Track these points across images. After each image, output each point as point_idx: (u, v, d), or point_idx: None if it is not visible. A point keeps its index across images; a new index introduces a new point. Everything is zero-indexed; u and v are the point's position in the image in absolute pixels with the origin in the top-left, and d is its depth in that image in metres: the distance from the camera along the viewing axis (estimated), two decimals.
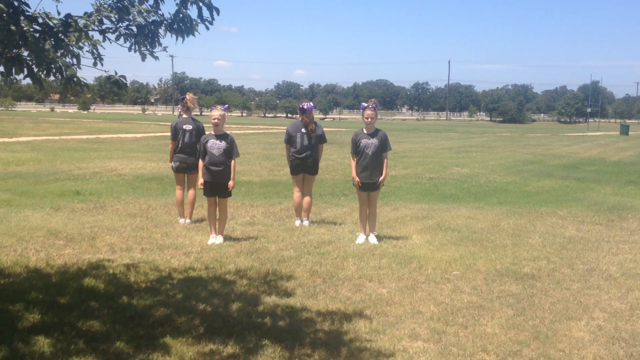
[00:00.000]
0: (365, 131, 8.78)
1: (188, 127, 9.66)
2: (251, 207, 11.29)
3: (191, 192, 9.73)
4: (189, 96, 9.85)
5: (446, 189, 15.52)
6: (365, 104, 8.79)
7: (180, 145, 9.63)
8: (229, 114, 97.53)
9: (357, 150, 8.73)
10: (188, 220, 9.59)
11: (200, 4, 4.73)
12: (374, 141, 8.66)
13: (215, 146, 8.39)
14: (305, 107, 9.81)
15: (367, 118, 8.73)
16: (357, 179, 8.71)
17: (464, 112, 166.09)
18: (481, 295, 6.28)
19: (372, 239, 8.64)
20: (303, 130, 9.72)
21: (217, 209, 8.52)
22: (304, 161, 9.72)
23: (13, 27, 4.11)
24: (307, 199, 9.85)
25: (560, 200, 13.83)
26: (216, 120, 8.40)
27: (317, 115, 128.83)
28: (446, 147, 33.09)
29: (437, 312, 5.74)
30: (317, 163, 9.88)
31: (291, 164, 9.87)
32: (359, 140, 8.74)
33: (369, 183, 8.71)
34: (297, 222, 9.77)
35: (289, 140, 9.82)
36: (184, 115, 9.82)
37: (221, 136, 8.50)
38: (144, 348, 4.60)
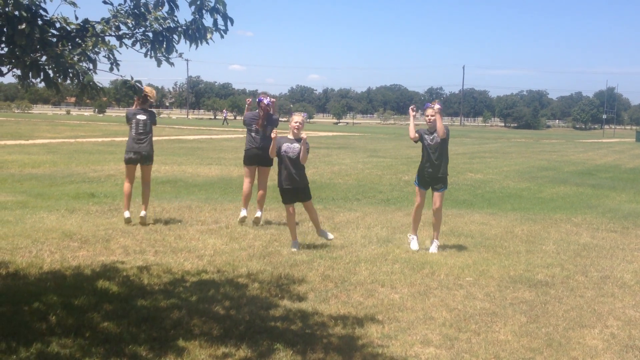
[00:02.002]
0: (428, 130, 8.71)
1: (142, 117, 9.75)
2: (264, 211, 11.31)
3: (261, 192, 10.02)
4: (148, 89, 9.85)
5: (459, 195, 15.47)
6: (429, 104, 8.78)
7: (133, 135, 9.73)
8: (238, 117, 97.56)
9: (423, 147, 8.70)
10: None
11: (216, 14, 4.77)
12: (435, 136, 8.57)
13: (290, 150, 8.37)
14: (263, 100, 9.94)
15: (427, 116, 8.69)
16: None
17: (478, 117, 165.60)
18: (494, 302, 6.26)
19: (433, 248, 8.48)
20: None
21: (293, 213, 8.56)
22: (259, 153, 9.86)
23: (31, 32, 4.16)
24: (260, 192, 10.03)
25: (574, 207, 13.74)
26: (297, 124, 8.45)
27: (330, 120, 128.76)
28: (460, 153, 32.98)
29: (449, 318, 5.73)
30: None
31: (245, 154, 10.09)
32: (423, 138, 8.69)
33: (434, 178, 8.65)
34: (243, 213, 9.87)
35: (246, 125, 10.08)
36: (138, 107, 9.88)
37: (297, 140, 8.47)
38: (157, 350, 4.63)
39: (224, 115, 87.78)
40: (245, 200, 10.13)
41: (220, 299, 5.93)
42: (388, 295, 6.37)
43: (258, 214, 9.94)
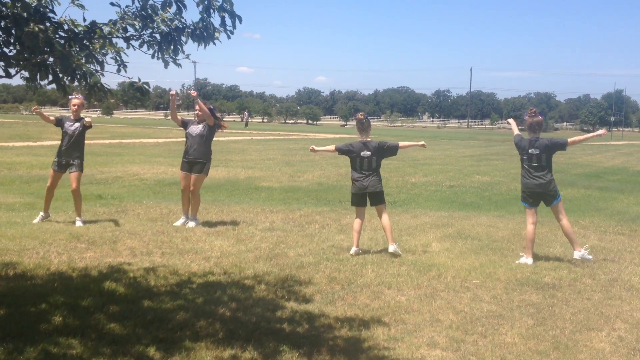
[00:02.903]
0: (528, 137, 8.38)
1: (76, 126, 9.81)
2: (271, 213, 11.33)
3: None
4: (79, 100, 9.86)
5: (466, 197, 15.44)
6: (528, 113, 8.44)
7: (65, 144, 9.82)
8: (250, 119, 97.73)
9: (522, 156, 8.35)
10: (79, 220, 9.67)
11: (224, 13, 4.78)
12: (538, 149, 8.24)
13: (366, 156, 8.32)
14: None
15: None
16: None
17: (485, 119, 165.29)
18: (501, 305, 6.24)
19: (579, 253, 8.05)
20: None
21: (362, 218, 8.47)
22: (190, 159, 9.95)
23: (39, 33, 4.18)
24: (195, 198, 10.02)
25: (582, 209, 13.69)
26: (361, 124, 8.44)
27: (336, 122, 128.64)
28: (467, 155, 32.93)
29: (456, 320, 5.71)
30: (203, 164, 9.99)
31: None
32: (523, 147, 8.36)
33: (539, 192, 8.19)
34: (181, 221, 9.87)
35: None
36: (72, 117, 9.89)
37: (368, 142, 8.41)
38: (164, 351, 4.64)
39: (246, 117, 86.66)
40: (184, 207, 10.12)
41: (227, 301, 5.94)
42: (394, 297, 6.36)
43: (192, 223, 9.93)
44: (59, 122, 9.95)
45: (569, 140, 8.45)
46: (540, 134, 8.38)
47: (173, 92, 10.36)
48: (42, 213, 9.82)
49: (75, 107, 9.79)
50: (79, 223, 9.56)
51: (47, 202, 9.92)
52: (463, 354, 4.95)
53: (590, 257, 8.13)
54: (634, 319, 5.94)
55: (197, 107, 9.96)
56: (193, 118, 10.32)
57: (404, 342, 5.13)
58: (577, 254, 8.08)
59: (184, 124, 10.16)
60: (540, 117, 8.37)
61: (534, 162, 8.21)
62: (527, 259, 8.10)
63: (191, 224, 9.80)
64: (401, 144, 8.64)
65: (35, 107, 10.26)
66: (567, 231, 8.27)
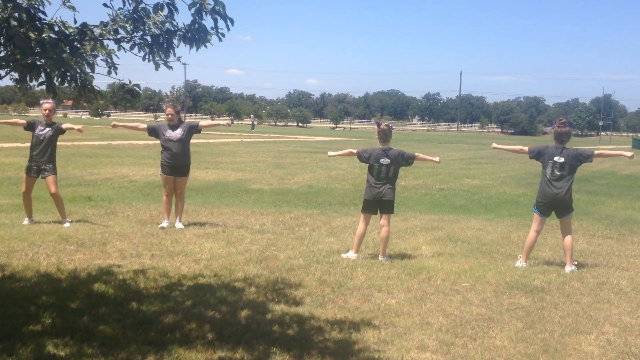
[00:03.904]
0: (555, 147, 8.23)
1: (47, 131, 9.78)
2: (261, 215, 11.32)
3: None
4: (50, 105, 9.86)
5: (456, 200, 15.50)
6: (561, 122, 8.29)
7: (36, 149, 9.79)
8: (240, 122, 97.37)
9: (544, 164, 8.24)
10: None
11: (216, 15, 4.78)
12: (563, 157, 8.12)
13: (385, 163, 8.33)
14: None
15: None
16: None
17: (475, 123, 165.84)
18: (490, 308, 6.26)
19: (569, 269, 8.00)
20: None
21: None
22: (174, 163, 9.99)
23: (31, 34, 4.17)
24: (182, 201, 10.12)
25: None
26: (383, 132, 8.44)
27: (327, 124, 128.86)
28: (457, 158, 33.04)
29: (445, 323, 5.73)
30: (188, 166, 10.19)
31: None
32: (548, 154, 8.21)
33: (556, 203, 8.12)
34: (165, 224, 9.84)
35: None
36: (44, 122, 9.83)
37: (386, 149, 8.42)
38: (153, 354, 4.62)
39: (252, 120, 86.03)
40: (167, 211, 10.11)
41: (217, 303, 5.93)
42: (385, 300, 6.37)
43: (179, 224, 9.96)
44: (30, 126, 9.88)
45: (596, 152, 8.40)
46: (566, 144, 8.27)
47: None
48: (27, 219, 9.74)
49: (47, 111, 9.73)
50: (66, 224, 9.52)
51: (28, 208, 9.79)
52: (453, 356, 4.97)
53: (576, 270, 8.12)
54: (622, 323, 5.98)
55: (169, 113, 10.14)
56: (164, 123, 10.32)
57: (394, 344, 5.14)
58: (568, 269, 8.03)
59: (155, 132, 10.18)
60: (568, 127, 8.27)
61: (557, 172, 8.10)
62: (521, 263, 8.14)
63: (180, 225, 9.80)
64: (419, 156, 8.64)
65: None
66: (568, 246, 8.12)
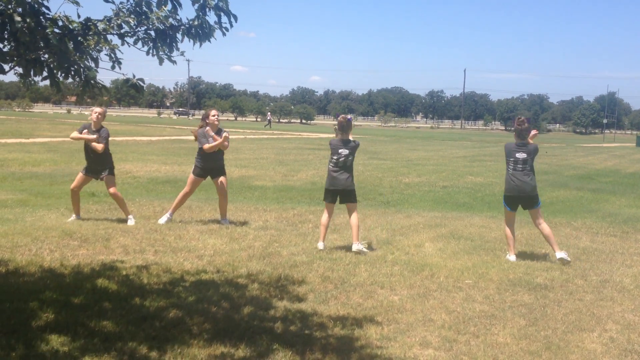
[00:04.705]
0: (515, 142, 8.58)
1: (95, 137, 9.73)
2: (264, 212, 11.33)
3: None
4: (102, 109, 9.93)
5: (459, 198, 15.47)
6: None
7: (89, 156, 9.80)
8: (244, 119, 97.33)
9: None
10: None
11: (219, 11, 4.77)
12: (525, 153, 8.47)
13: (343, 154, 8.55)
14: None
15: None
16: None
17: (478, 120, 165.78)
18: (493, 305, 6.26)
19: (561, 254, 8.15)
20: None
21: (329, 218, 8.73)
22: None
23: (35, 29, 4.17)
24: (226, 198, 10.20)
25: (574, 211, 13.75)
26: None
27: (330, 121, 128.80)
28: (460, 156, 33.00)
29: (448, 320, 5.73)
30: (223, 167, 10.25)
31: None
32: (510, 151, 8.54)
33: (522, 196, 8.43)
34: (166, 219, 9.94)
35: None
36: (92, 127, 9.75)
37: (345, 141, 8.64)
38: (156, 349, 4.63)
39: (268, 117, 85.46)
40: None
41: (220, 299, 5.93)
42: (387, 297, 6.37)
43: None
44: (81, 132, 9.80)
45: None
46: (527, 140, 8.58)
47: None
48: (73, 215, 9.78)
49: (97, 115, 9.66)
50: (130, 222, 9.60)
51: (75, 205, 9.81)
52: (455, 353, 4.96)
53: (569, 259, 8.19)
54: (625, 320, 5.97)
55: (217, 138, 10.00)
56: (205, 127, 10.14)
57: (397, 341, 5.14)
58: (558, 254, 8.18)
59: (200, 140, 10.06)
60: (527, 124, 8.60)
61: (520, 166, 8.46)
62: (511, 256, 8.31)
63: (226, 221, 9.98)
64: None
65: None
66: (548, 234, 8.42)
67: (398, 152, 34.18)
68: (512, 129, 8.76)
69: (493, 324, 5.69)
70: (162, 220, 9.83)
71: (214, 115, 10.07)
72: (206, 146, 9.83)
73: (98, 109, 9.76)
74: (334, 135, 8.81)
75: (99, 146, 9.55)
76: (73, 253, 7.54)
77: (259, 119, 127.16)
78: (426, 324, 5.61)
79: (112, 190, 9.74)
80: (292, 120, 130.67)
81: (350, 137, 8.75)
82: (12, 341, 4.58)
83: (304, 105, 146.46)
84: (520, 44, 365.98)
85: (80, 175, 9.90)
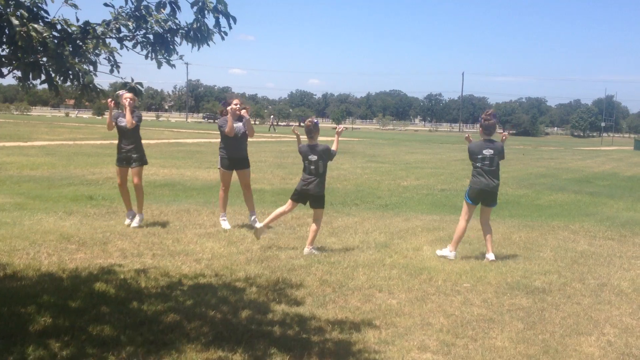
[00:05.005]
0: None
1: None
2: (263, 215, 11.30)
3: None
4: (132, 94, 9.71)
5: (458, 201, 15.45)
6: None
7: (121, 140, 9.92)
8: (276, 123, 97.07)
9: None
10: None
11: (218, 14, 4.77)
12: (492, 150, 8.54)
13: (312, 159, 8.59)
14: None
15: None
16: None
17: (477, 124, 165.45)
18: (491, 308, 6.26)
19: (492, 256, 8.35)
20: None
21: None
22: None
23: (33, 33, 4.17)
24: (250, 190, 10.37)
25: (572, 214, 13.76)
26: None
27: (329, 124, 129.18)
28: (458, 159, 33.00)
29: (446, 324, 5.73)
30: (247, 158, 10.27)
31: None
32: (478, 149, 8.56)
33: (487, 192, 8.55)
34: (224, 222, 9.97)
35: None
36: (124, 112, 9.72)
37: (313, 146, 8.67)
38: (154, 353, 4.62)
39: (272, 121, 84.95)
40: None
41: (218, 303, 5.93)
42: (385, 300, 6.37)
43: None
44: (115, 119, 9.85)
45: None
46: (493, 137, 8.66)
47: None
48: (127, 212, 9.91)
49: (129, 100, 9.60)
50: (137, 220, 9.68)
51: (126, 200, 10.01)
52: (453, 357, 4.96)
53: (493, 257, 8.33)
54: (623, 324, 5.97)
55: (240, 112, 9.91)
56: (225, 115, 10.01)
57: (395, 345, 5.14)
58: (490, 256, 8.33)
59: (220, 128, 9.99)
60: (494, 120, 8.61)
61: (487, 163, 8.50)
62: (450, 253, 8.36)
63: (254, 218, 10.09)
64: (335, 149, 8.82)
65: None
66: (489, 233, 8.56)
67: (396, 155, 34.20)
68: (480, 124, 8.67)
69: (491, 327, 5.69)
70: (225, 225, 9.90)
71: (236, 104, 9.91)
72: (227, 129, 9.69)
73: (128, 94, 9.44)
74: (306, 139, 8.80)
75: (132, 121, 9.60)
76: (71, 257, 7.53)
77: (257, 122, 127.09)
78: (424, 327, 5.61)
79: (136, 180, 9.83)
80: (290, 123, 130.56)
81: (323, 142, 8.76)
82: (10, 345, 4.57)
83: (302, 108, 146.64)
84: (518, 47, 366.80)
85: (117, 169, 10.04)
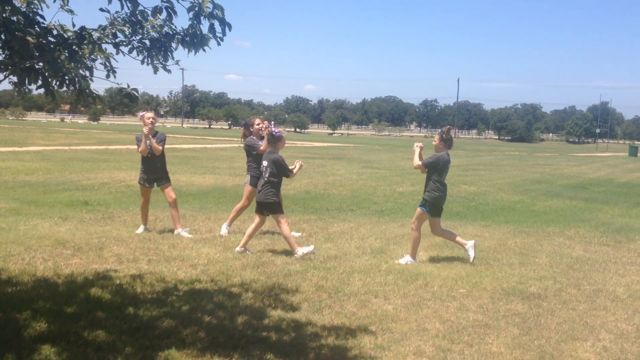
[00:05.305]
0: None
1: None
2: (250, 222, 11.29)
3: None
4: (153, 114, 9.86)
5: (453, 207, 15.49)
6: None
7: (146, 161, 9.89)
8: (238, 127, 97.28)
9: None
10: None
11: (214, 19, 4.78)
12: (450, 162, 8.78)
13: (264, 165, 8.59)
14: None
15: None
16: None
17: (472, 130, 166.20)
18: (487, 314, 6.26)
19: (470, 252, 8.53)
20: None
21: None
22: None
23: (29, 38, 4.17)
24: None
25: (567, 220, 13.78)
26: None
27: (324, 130, 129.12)
28: (454, 165, 32.95)
29: (442, 329, 5.73)
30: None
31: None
32: (443, 162, 8.58)
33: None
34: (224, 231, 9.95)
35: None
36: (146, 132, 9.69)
37: (269, 152, 8.67)
38: (149, 359, 4.61)
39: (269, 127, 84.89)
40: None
41: (213, 309, 5.92)
42: (381, 306, 6.37)
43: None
44: (138, 141, 9.81)
45: None
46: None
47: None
48: (142, 226, 9.85)
49: (151, 119, 9.59)
50: (183, 233, 9.60)
51: (144, 217, 9.95)
52: None
53: (414, 260, 8.43)
54: (618, 330, 5.98)
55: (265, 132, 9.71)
56: (250, 136, 10.00)
57: (391, 350, 5.14)
58: (402, 260, 8.42)
59: (252, 148, 9.86)
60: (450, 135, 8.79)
61: (446, 175, 8.69)
62: (411, 259, 8.44)
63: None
64: (294, 174, 8.88)
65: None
66: (450, 238, 8.81)
67: (392, 161, 34.24)
68: (442, 139, 8.66)
69: (487, 333, 5.69)
70: (224, 231, 9.87)
71: (258, 125, 9.92)
72: (262, 148, 9.56)
73: (149, 114, 9.59)
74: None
75: (159, 148, 9.62)
76: (66, 262, 7.51)
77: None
78: (420, 333, 5.61)
79: (174, 195, 9.82)
80: (286, 129, 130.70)
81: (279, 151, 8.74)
82: (5, 351, 4.55)
83: (298, 114, 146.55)
84: (513, 54, 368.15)
85: (142, 188, 9.97)
